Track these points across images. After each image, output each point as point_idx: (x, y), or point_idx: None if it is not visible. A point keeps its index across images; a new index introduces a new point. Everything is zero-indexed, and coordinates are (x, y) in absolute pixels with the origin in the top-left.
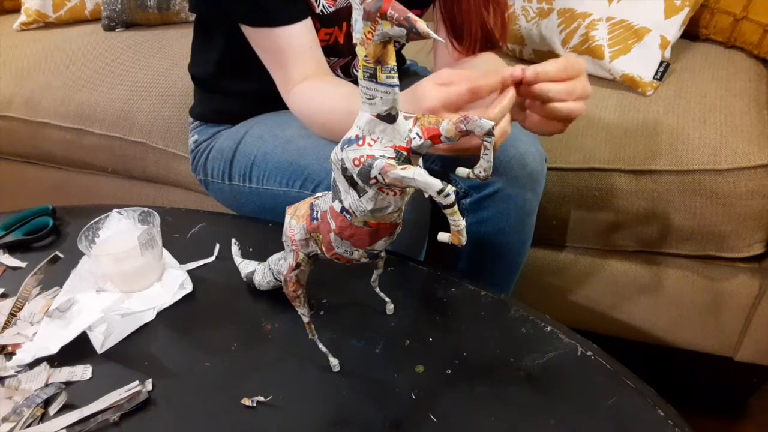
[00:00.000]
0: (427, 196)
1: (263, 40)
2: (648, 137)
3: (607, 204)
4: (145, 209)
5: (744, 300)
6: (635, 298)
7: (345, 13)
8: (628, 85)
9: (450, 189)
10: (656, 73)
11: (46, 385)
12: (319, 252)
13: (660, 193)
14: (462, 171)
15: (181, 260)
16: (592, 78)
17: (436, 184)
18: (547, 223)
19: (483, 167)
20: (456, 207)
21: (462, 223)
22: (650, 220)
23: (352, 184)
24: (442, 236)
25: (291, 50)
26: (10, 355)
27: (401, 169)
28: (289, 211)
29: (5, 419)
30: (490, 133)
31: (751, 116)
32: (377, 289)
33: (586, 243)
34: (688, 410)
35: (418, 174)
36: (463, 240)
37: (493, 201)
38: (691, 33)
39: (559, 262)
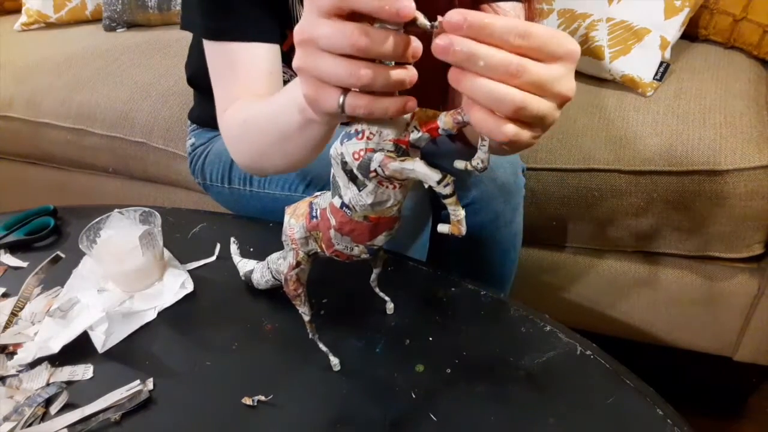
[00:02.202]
0: (427, 186)
1: (219, 57)
2: (648, 138)
3: (606, 204)
4: (146, 209)
5: (743, 300)
6: (634, 298)
7: None
8: (628, 85)
9: (450, 179)
10: (656, 74)
11: (48, 385)
12: (318, 250)
13: (659, 193)
14: (459, 164)
15: (182, 260)
16: (593, 79)
17: (436, 174)
18: (546, 223)
19: (480, 158)
20: (456, 197)
21: (461, 213)
22: (650, 221)
23: (352, 178)
24: (442, 228)
25: (244, 68)
26: (11, 355)
27: (401, 160)
28: (288, 210)
29: (6, 418)
30: None
31: (751, 117)
32: (377, 289)
33: (586, 243)
34: (687, 410)
35: (418, 165)
36: (463, 230)
37: (467, 213)
38: (691, 34)
39: (559, 262)
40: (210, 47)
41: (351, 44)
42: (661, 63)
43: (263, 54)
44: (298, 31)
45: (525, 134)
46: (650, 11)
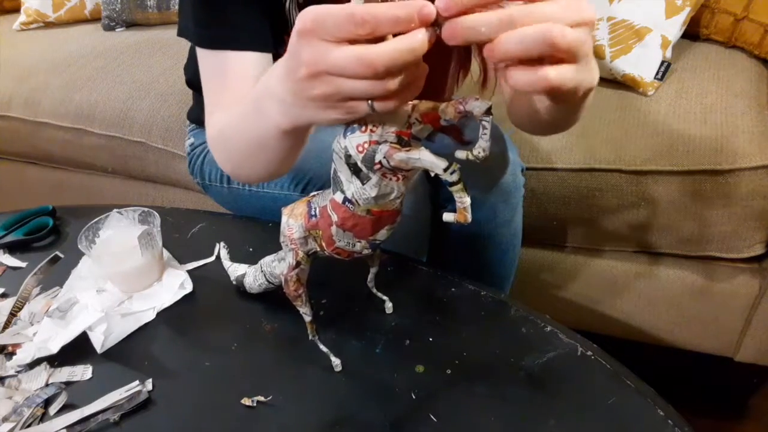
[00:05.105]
0: (433, 175)
1: (211, 64)
2: (649, 137)
3: (607, 204)
4: (145, 209)
5: (744, 300)
6: (635, 299)
7: None
8: (629, 85)
9: (455, 166)
10: (657, 73)
11: (47, 385)
12: (318, 249)
13: (660, 193)
14: (461, 153)
15: (182, 260)
16: None
17: (442, 162)
18: (547, 223)
19: (482, 147)
20: (462, 184)
21: (467, 200)
22: (651, 221)
23: (356, 171)
24: (448, 216)
25: (235, 77)
26: (10, 355)
27: (406, 151)
28: (285, 211)
29: (5, 419)
30: (488, 112)
31: (752, 116)
32: (374, 289)
33: (587, 243)
34: (688, 410)
35: (424, 154)
36: (469, 217)
37: None
38: (692, 33)
39: (560, 262)
40: (202, 54)
41: (366, 68)
42: (662, 62)
43: (255, 62)
44: (311, 64)
45: (567, 72)
46: (651, 10)
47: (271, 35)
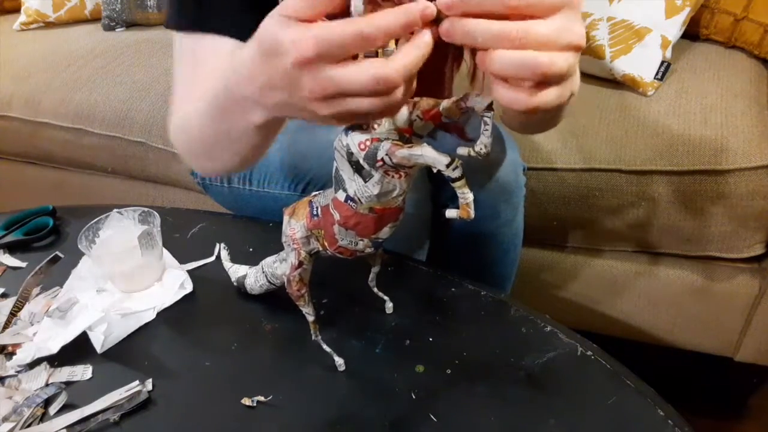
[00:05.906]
0: (435, 171)
1: (186, 52)
2: (649, 137)
3: (607, 204)
4: (146, 209)
5: (744, 300)
6: (635, 299)
7: None
8: (629, 85)
9: (458, 162)
10: (657, 73)
11: (47, 385)
12: (320, 249)
13: (660, 193)
14: (462, 150)
15: (182, 260)
16: (594, 78)
17: (445, 158)
18: (547, 223)
19: (484, 143)
20: (464, 180)
21: (470, 196)
22: (651, 221)
23: (357, 169)
24: (451, 212)
25: (206, 63)
26: (10, 355)
27: (408, 147)
28: (287, 211)
29: (5, 419)
30: (489, 108)
31: (752, 117)
32: (375, 289)
33: (587, 243)
34: (688, 410)
35: (426, 150)
36: (472, 213)
37: None
38: (692, 33)
39: (559, 262)
40: (179, 42)
41: (384, 86)
42: (662, 62)
43: (231, 51)
44: (318, 91)
45: (549, 95)
46: (651, 10)
47: (255, 24)
